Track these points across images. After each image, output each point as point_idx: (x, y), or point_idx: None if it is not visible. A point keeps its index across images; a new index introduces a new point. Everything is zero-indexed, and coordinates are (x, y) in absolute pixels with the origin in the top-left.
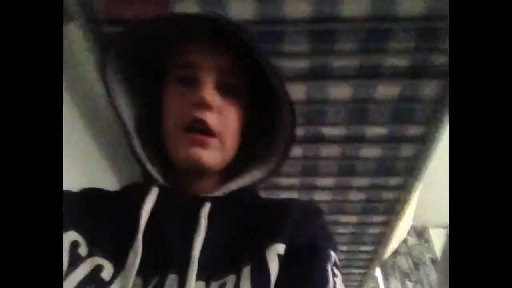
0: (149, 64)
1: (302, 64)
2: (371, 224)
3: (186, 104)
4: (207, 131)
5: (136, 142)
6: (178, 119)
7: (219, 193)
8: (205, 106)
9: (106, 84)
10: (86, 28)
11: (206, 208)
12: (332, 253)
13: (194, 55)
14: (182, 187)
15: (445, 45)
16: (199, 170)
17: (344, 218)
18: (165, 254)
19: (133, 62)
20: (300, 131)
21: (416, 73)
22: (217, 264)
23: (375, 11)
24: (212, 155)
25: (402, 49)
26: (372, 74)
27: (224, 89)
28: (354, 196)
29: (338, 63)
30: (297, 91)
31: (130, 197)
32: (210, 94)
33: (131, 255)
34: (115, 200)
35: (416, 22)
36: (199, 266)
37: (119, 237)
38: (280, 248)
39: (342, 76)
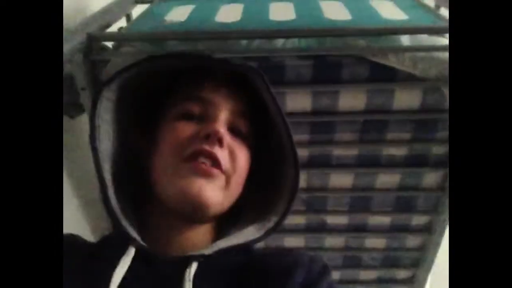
0: (146, 101)
1: (302, 153)
2: None
3: (193, 137)
4: (214, 163)
5: (111, 193)
6: (178, 152)
7: (208, 251)
8: (217, 139)
9: (93, 122)
10: None
11: (192, 269)
12: None
13: (208, 91)
14: (163, 241)
15: (443, 136)
16: (198, 209)
17: None
18: None
19: (128, 99)
20: (301, 219)
21: (414, 162)
22: None
23: (371, 104)
24: (216, 192)
25: (399, 140)
26: (371, 163)
27: (234, 132)
28: None
29: (337, 152)
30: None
31: (105, 254)
32: (223, 129)
33: None
34: (90, 254)
35: (412, 114)
36: None
37: None
38: None
39: (342, 165)
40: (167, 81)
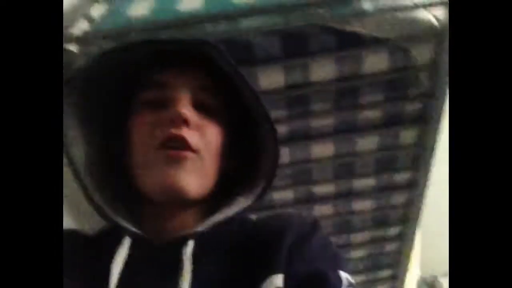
0: (112, 94)
1: (281, 128)
2: (378, 281)
3: (159, 123)
4: (185, 147)
5: (93, 192)
6: (149, 141)
7: (201, 228)
8: (182, 121)
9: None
10: None
11: (189, 248)
12: (342, 274)
13: (165, 74)
14: (158, 228)
15: (414, 93)
16: (177, 199)
17: None
18: None
19: (93, 94)
20: (290, 194)
21: (390, 122)
22: None
23: (341, 72)
24: (192, 177)
25: (372, 103)
26: (349, 129)
27: (200, 108)
28: (355, 253)
29: (315, 123)
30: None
31: (102, 246)
32: (186, 109)
33: None
34: (88, 247)
35: (380, 76)
36: None
37: None
38: (278, 279)
39: (321, 134)
40: (126, 74)
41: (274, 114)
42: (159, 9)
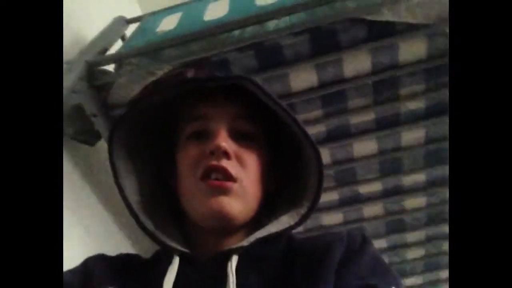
0: (158, 131)
1: (318, 128)
2: (438, 282)
3: (202, 156)
4: (226, 177)
5: (143, 218)
6: (193, 172)
7: (245, 242)
8: (221, 153)
9: (112, 163)
10: None
11: (233, 262)
12: None
13: (204, 108)
14: (206, 249)
15: None
16: (224, 222)
17: (405, 281)
18: None
19: (140, 133)
20: (334, 195)
21: (435, 112)
22: None
23: (377, 64)
24: (235, 204)
25: (414, 93)
26: (392, 123)
27: (239, 136)
28: (411, 254)
29: (354, 120)
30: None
31: (156, 266)
32: (224, 141)
33: None
34: (144, 268)
35: (419, 65)
36: None
37: None
38: None
39: (362, 131)
40: (169, 111)
41: (310, 114)
42: (186, 22)
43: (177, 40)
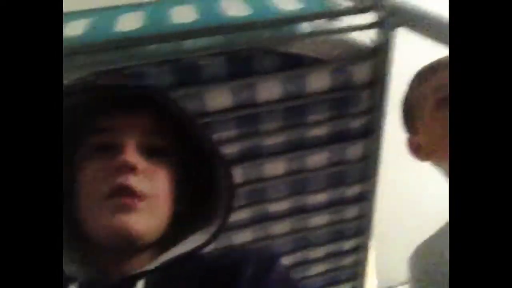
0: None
1: (232, 148)
2: None
3: (106, 171)
4: (133, 195)
5: None
6: (97, 189)
7: (151, 266)
8: (129, 169)
9: None
10: None
11: (139, 287)
12: None
13: (111, 119)
14: (109, 272)
15: (356, 110)
16: (129, 242)
17: None
18: None
19: None
20: (245, 214)
21: (337, 139)
22: None
23: (287, 92)
24: (141, 220)
25: (319, 120)
26: (299, 147)
27: (148, 152)
28: (314, 269)
29: (265, 142)
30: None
31: None
32: (132, 156)
33: None
34: None
35: (324, 95)
36: None
37: None
38: None
39: (273, 153)
40: (74, 119)
41: (225, 134)
42: (94, 30)
43: (86, 49)
